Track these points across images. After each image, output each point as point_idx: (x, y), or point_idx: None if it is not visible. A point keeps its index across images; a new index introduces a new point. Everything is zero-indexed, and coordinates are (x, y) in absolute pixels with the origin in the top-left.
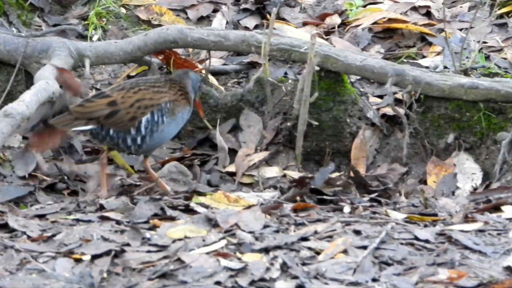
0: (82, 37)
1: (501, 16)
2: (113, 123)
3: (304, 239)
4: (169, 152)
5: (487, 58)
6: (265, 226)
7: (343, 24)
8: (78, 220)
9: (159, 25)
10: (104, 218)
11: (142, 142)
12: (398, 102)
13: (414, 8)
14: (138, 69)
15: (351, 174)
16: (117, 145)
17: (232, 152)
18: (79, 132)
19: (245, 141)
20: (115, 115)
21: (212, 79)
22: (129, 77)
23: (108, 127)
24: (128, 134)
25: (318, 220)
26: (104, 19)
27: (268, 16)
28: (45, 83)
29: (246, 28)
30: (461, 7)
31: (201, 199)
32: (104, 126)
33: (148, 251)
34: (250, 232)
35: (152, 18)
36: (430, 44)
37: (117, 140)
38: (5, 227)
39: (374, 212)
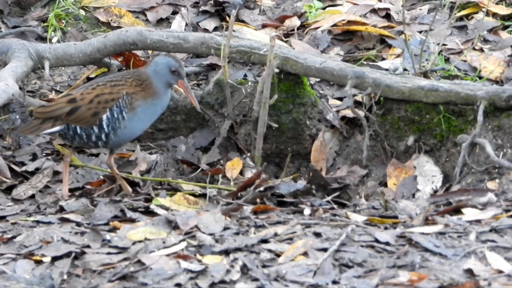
0: (42, 39)
1: (460, 19)
2: (75, 120)
3: (264, 241)
4: None
5: (447, 60)
6: (225, 228)
7: (303, 26)
8: (38, 222)
9: (119, 27)
10: (64, 220)
11: (108, 139)
12: (358, 104)
13: (374, 11)
14: (97, 71)
15: (311, 174)
16: (86, 144)
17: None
18: (48, 135)
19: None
20: (75, 112)
21: None
22: (88, 79)
23: (72, 124)
24: (93, 132)
25: (278, 222)
26: (63, 21)
27: (227, 18)
28: (5, 85)
29: (206, 30)
30: (420, 9)
31: (161, 201)
32: (69, 124)
33: (108, 253)
34: (210, 234)
35: (111, 20)
36: (390, 46)
37: (85, 138)
38: None
39: (335, 215)
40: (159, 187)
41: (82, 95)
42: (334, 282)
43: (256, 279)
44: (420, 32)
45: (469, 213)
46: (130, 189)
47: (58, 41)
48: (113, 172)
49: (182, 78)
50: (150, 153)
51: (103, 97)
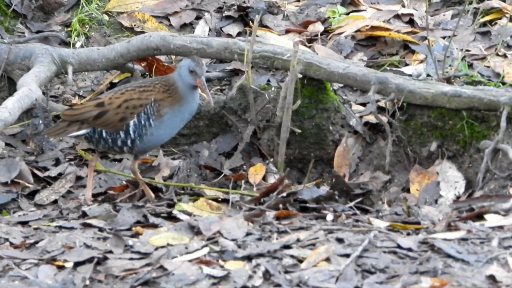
0: (65, 44)
1: (484, 24)
2: (102, 124)
3: (287, 247)
4: None
5: (470, 66)
6: (248, 234)
7: (326, 31)
8: (60, 227)
9: (142, 32)
10: (87, 225)
11: (133, 145)
12: (381, 110)
13: (397, 16)
14: (120, 76)
15: (333, 180)
16: (111, 148)
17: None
18: (74, 138)
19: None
20: (103, 116)
21: None
22: (111, 84)
23: (99, 128)
24: (119, 137)
25: (301, 228)
26: (87, 26)
27: (251, 23)
28: (28, 89)
29: (229, 36)
30: (444, 15)
31: (184, 206)
32: (96, 128)
33: (131, 259)
34: (233, 240)
35: (135, 25)
36: (413, 52)
37: (110, 143)
38: None
39: (357, 220)
40: (182, 192)
41: (111, 99)
42: None
43: (278, 285)
44: (444, 37)
45: (491, 219)
46: (152, 195)
47: (82, 46)
48: (136, 178)
49: (199, 77)
50: (173, 159)
51: (131, 103)
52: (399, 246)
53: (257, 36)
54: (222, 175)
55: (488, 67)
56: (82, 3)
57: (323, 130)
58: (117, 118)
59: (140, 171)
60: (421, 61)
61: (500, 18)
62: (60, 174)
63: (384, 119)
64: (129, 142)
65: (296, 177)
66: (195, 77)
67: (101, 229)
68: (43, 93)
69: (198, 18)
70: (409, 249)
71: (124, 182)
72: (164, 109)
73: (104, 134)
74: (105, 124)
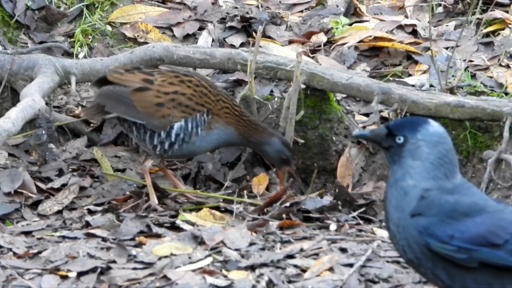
0: (68, 54)
1: (487, 35)
2: (139, 100)
3: (290, 256)
4: None
5: (473, 76)
6: (251, 244)
7: (329, 42)
8: (64, 237)
9: (145, 43)
10: (90, 235)
11: (170, 148)
12: (384, 120)
13: (400, 27)
14: None
15: (337, 190)
16: (143, 141)
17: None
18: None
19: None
20: (144, 91)
21: None
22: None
23: (135, 104)
24: (157, 136)
25: (304, 238)
26: (90, 37)
27: (254, 34)
28: (31, 100)
29: (232, 46)
30: (447, 25)
31: (187, 216)
32: (133, 101)
33: (134, 268)
34: (236, 250)
35: (138, 35)
36: (416, 62)
37: (143, 134)
38: None
39: (360, 230)
40: (185, 200)
41: (163, 82)
42: None
43: None
44: (447, 48)
45: None
46: (156, 201)
47: (85, 57)
48: (145, 177)
49: (290, 166)
50: (175, 169)
51: (180, 98)
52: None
53: (260, 46)
54: (225, 186)
55: (491, 77)
56: (85, 14)
57: (326, 140)
58: (155, 101)
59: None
60: (424, 72)
61: (503, 29)
62: (63, 185)
63: None
64: (167, 144)
65: (299, 188)
66: (283, 165)
67: (104, 239)
68: (46, 104)
69: (201, 28)
70: None
71: (127, 193)
72: (217, 123)
73: (138, 124)
74: (141, 100)
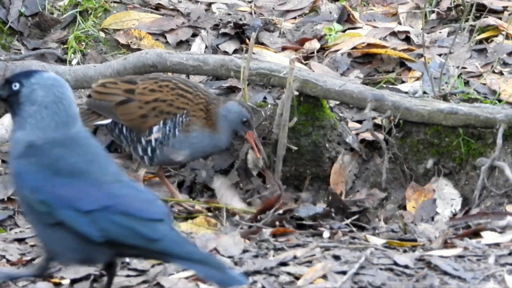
0: (61, 61)
1: (480, 42)
2: (123, 113)
3: (283, 264)
4: None
5: (467, 83)
6: (244, 251)
7: (322, 49)
8: None
9: (138, 49)
10: None
11: (153, 155)
12: (377, 127)
13: (394, 34)
14: None
15: (330, 197)
16: (133, 150)
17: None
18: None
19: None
20: (127, 104)
21: None
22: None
23: (119, 118)
24: (139, 144)
25: (297, 245)
26: (83, 43)
27: (247, 40)
28: None
29: (225, 53)
30: (440, 32)
31: (181, 224)
32: (116, 116)
33: (127, 276)
34: (230, 257)
35: (131, 42)
36: (409, 69)
37: (130, 142)
38: None
39: (354, 237)
40: (177, 210)
41: (144, 90)
42: None
43: None
44: (440, 55)
45: (488, 236)
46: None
47: (78, 63)
48: (162, 181)
49: (251, 130)
50: (169, 176)
51: (161, 105)
52: (395, 263)
53: (253, 53)
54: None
55: (485, 84)
56: (78, 20)
57: (320, 147)
58: (139, 114)
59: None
60: (418, 79)
61: (496, 36)
62: None
63: (381, 136)
64: (149, 150)
65: (292, 194)
66: (246, 129)
67: None
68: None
69: (194, 35)
70: (406, 266)
71: None
72: (194, 126)
73: (124, 131)
74: (125, 113)
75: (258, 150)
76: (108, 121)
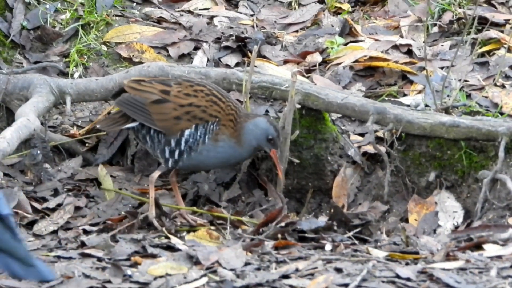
0: (63, 74)
1: (482, 55)
2: (156, 112)
3: (286, 276)
4: None
5: (468, 96)
6: (247, 264)
7: (324, 62)
8: (59, 257)
9: (140, 63)
10: (85, 255)
11: (180, 158)
12: (379, 140)
13: (395, 47)
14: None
15: (332, 210)
16: (157, 152)
17: None
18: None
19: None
20: (162, 103)
21: None
22: (109, 114)
23: (152, 116)
24: (167, 147)
25: (300, 258)
26: (85, 56)
27: (249, 54)
28: (26, 120)
29: (227, 66)
30: (442, 45)
31: (186, 237)
32: (149, 114)
33: None
34: (232, 270)
35: (133, 55)
36: (411, 82)
37: (156, 146)
38: None
39: (356, 250)
40: (180, 222)
41: (179, 93)
42: None
43: None
44: (442, 68)
45: (490, 249)
46: (154, 213)
47: (80, 77)
48: (173, 188)
49: (276, 148)
50: (171, 189)
51: (195, 110)
52: (397, 276)
53: (255, 66)
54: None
55: (486, 97)
56: (80, 34)
57: (322, 160)
58: (172, 115)
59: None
60: (420, 91)
61: (498, 49)
62: (58, 205)
63: (383, 149)
64: (177, 153)
65: (294, 207)
66: (271, 146)
67: (99, 259)
68: (42, 124)
69: (196, 48)
70: (408, 279)
71: (123, 213)
72: (223, 135)
73: (151, 132)
74: (159, 113)
75: (280, 170)
76: (136, 123)
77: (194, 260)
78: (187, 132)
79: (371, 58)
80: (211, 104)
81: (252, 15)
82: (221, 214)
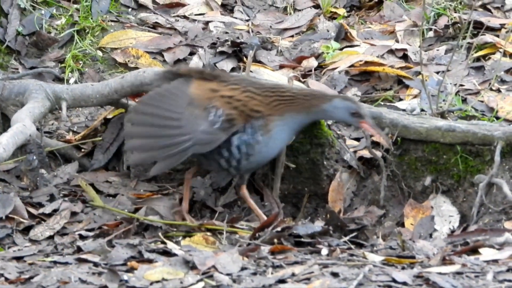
0: (59, 79)
1: (477, 59)
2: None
3: (282, 281)
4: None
5: (464, 101)
6: (243, 269)
7: (320, 67)
8: (55, 262)
9: (136, 68)
10: (82, 260)
11: (239, 165)
12: (375, 144)
13: (391, 51)
14: (115, 112)
15: (328, 215)
16: (214, 165)
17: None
18: None
19: None
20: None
21: None
22: (105, 119)
23: None
24: (221, 157)
25: (296, 263)
26: (80, 62)
27: (244, 59)
28: (22, 125)
29: (223, 71)
30: (437, 50)
31: (183, 242)
32: None
33: None
34: (228, 275)
35: (128, 61)
36: (407, 87)
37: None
38: None
39: (352, 255)
40: (175, 230)
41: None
42: None
43: None
44: (437, 72)
45: (486, 253)
46: (264, 217)
47: (75, 82)
48: (247, 203)
49: (363, 118)
50: (167, 194)
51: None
52: (394, 280)
53: (251, 71)
54: (218, 213)
55: (482, 101)
56: (76, 39)
57: (318, 165)
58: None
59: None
60: (415, 96)
61: (493, 53)
62: (54, 211)
63: (379, 154)
64: (234, 162)
65: (290, 212)
66: (358, 119)
67: (96, 264)
68: (37, 129)
69: (191, 53)
70: (404, 283)
71: (118, 218)
72: (272, 122)
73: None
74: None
75: (378, 134)
76: None
77: (190, 265)
78: (235, 139)
79: (367, 63)
80: (250, 100)
81: (247, 20)
82: (216, 226)
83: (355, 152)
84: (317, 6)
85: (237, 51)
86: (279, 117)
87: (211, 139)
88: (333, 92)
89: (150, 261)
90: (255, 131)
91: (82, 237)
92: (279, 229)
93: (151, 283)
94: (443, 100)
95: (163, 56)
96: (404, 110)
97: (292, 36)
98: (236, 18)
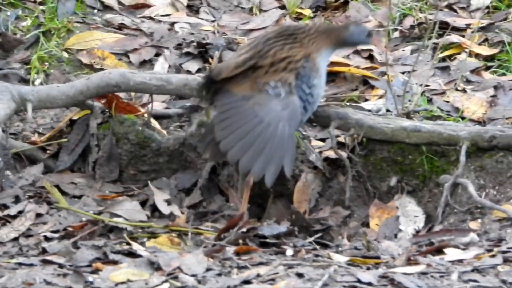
0: (25, 81)
1: (443, 59)
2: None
3: (247, 282)
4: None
5: (430, 101)
6: (208, 269)
7: None
8: (20, 264)
9: (102, 69)
10: (47, 262)
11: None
12: (340, 145)
13: (357, 52)
14: (80, 113)
15: (293, 216)
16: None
17: None
18: None
19: None
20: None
21: (154, 123)
22: (71, 121)
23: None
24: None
25: (261, 263)
26: (46, 63)
27: (210, 60)
28: None
29: (189, 72)
30: (403, 50)
31: (148, 243)
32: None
33: None
34: (193, 275)
35: (94, 62)
36: (373, 87)
37: None
38: None
39: (317, 255)
40: (140, 231)
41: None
42: None
43: None
44: (403, 73)
45: (451, 253)
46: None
47: (41, 84)
48: (243, 191)
49: (372, 36)
50: (132, 195)
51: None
52: (359, 281)
53: None
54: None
55: (448, 101)
56: (41, 41)
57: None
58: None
59: (104, 208)
60: (381, 96)
61: (459, 53)
62: (20, 212)
63: (344, 154)
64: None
65: (255, 213)
66: (370, 38)
67: (61, 266)
68: (3, 131)
69: (157, 54)
70: (369, 284)
71: (84, 220)
72: (317, 58)
73: None
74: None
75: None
76: None
77: (155, 266)
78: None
79: (333, 63)
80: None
81: (213, 21)
82: (181, 228)
83: (320, 152)
84: (282, 7)
85: (203, 52)
86: (318, 54)
87: (292, 108)
88: None
89: (115, 262)
90: (308, 77)
91: (47, 239)
92: (244, 230)
93: (116, 284)
94: (409, 101)
95: (128, 57)
96: (369, 110)
97: None
98: (202, 19)
